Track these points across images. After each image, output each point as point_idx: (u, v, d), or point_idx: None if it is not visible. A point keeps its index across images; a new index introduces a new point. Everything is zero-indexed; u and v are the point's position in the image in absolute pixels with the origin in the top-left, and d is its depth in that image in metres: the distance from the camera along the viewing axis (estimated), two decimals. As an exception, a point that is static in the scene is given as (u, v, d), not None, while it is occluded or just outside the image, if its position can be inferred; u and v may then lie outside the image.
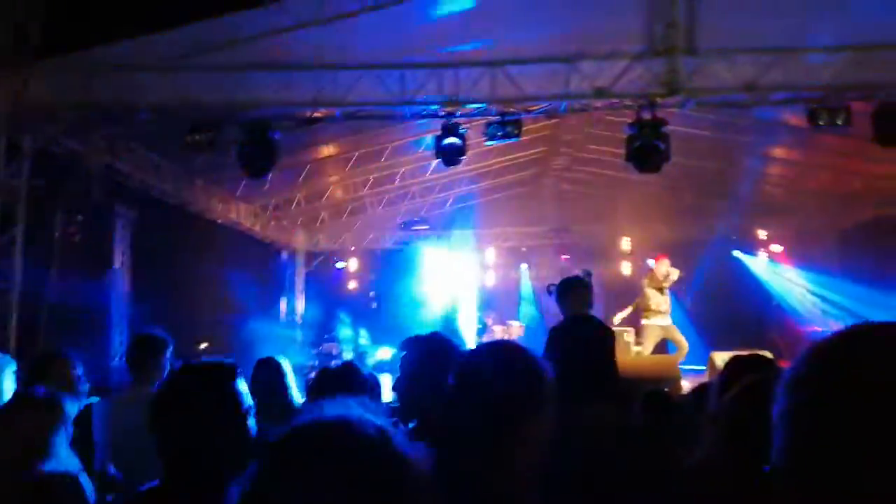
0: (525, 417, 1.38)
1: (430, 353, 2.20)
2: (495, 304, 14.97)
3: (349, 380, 2.92)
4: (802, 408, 0.68)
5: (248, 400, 1.78)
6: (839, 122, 7.73)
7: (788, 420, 0.68)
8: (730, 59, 7.25)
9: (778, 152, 11.23)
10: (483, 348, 1.63)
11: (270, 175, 10.55)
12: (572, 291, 4.30)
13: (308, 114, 8.22)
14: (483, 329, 13.36)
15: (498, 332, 13.02)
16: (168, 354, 3.70)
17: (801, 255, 13.66)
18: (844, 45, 7.07)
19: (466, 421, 1.38)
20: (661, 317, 9.34)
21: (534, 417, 1.38)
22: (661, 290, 9.34)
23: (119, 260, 9.20)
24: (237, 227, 12.40)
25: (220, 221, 11.83)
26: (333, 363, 4.11)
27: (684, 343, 9.21)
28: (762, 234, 14.33)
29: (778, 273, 14.16)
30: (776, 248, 14.35)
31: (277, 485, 0.76)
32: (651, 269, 9.58)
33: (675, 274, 9.40)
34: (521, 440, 1.36)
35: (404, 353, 2.33)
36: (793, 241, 13.84)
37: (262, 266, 13.97)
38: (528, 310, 15.74)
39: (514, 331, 13.01)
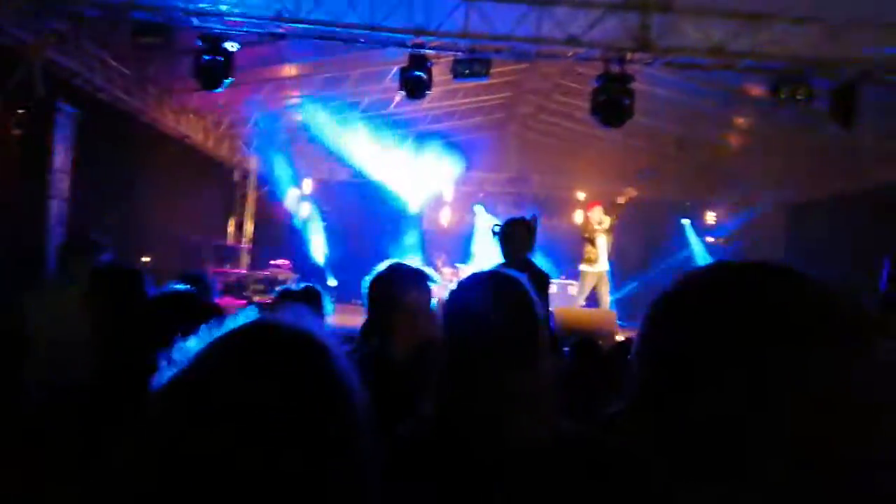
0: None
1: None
2: (446, 245, 14.98)
3: (311, 301, 2.90)
4: (645, 341, 0.68)
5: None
6: (800, 97, 7.84)
7: (639, 354, 0.68)
8: (702, 20, 7.21)
9: (738, 122, 11.35)
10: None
11: (226, 90, 10.21)
12: (514, 232, 4.26)
13: (270, 29, 7.89)
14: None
15: (447, 274, 13.09)
16: (99, 259, 3.60)
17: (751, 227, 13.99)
18: (814, 17, 7.08)
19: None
20: (594, 264, 9.58)
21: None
22: (593, 238, 9.53)
23: (59, 160, 8.80)
24: (188, 141, 12.00)
25: (169, 133, 11.42)
26: (295, 284, 4.03)
27: (606, 298, 9.49)
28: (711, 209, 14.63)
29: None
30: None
31: (205, 376, 0.73)
32: (586, 217, 9.78)
33: (606, 221, 9.58)
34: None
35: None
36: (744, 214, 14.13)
37: (212, 183, 13.62)
38: (481, 253, 15.82)
39: (462, 274, 13.09)
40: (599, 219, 9.59)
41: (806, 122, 9.56)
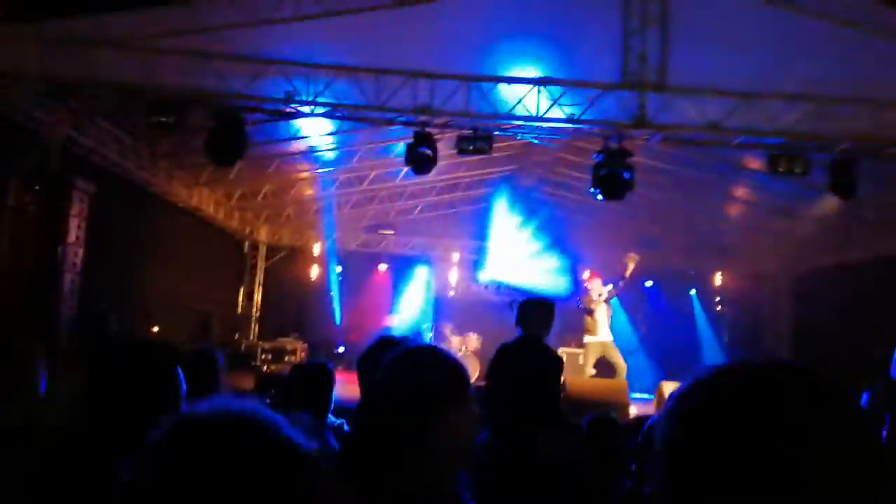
0: (447, 408, 1.42)
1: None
2: (454, 314, 14.99)
3: (320, 378, 2.94)
4: (674, 439, 0.72)
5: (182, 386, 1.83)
6: (797, 171, 7.99)
7: (662, 450, 0.72)
8: (697, 97, 7.44)
9: (739, 193, 11.51)
10: (413, 347, 1.66)
11: (238, 165, 10.54)
12: (532, 312, 4.33)
13: (280, 108, 8.21)
14: (440, 339, 13.39)
15: (455, 343, 13.05)
16: (108, 330, 3.70)
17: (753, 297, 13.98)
18: (806, 94, 7.30)
19: (394, 408, 1.41)
20: (595, 335, 9.59)
21: (455, 409, 1.42)
22: (592, 310, 9.57)
23: (74, 234, 9.02)
24: (198, 214, 12.27)
25: (181, 206, 11.70)
26: (306, 361, 4.11)
27: (622, 363, 9.44)
28: (717, 275, 14.65)
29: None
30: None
31: (164, 475, 0.76)
32: (585, 289, 9.84)
33: (604, 292, 9.63)
34: (443, 428, 1.39)
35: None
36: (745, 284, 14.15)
37: (223, 254, 13.84)
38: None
39: (470, 342, 13.06)
40: (599, 290, 9.66)
41: (806, 194, 9.70)
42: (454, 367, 1.48)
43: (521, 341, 2.66)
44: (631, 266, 9.62)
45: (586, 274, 14.29)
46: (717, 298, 14.74)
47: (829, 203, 9.35)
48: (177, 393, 1.82)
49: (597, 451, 3.75)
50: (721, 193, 11.63)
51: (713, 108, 7.52)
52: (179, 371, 1.85)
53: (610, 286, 9.78)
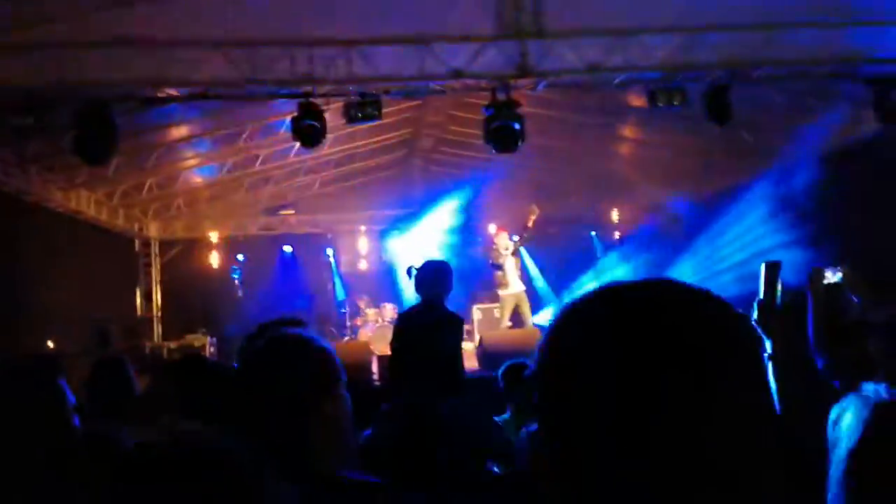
0: (319, 398, 1.36)
1: None
2: (368, 287, 14.88)
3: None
4: (538, 372, 0.66)
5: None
6: (675, 103, 8.30)
7: (531, 383, 0.66)
8: (575, 41, 7.55)
9: (626, 132, 11.89)
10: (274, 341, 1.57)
11: (115, 160, 9.87)
12: (427, 275, 4.30)
13: (150, 94, 7.70)
14: (355, 312, 13.29)
15: (371, 315, 12.99)
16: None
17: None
18: (677, 27, 7.54)
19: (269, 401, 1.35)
20: (508, 287, 9.83)
21: (326, 399, 1.36)
22: (501, 263, 9.78)
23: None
24: (80, 217, 11.47)
25: (60, 211, 10.90)
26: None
27: (529, 316, 9.74)
28: (614, 211, 15.20)
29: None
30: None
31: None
32: (494, 244, 10.03)
33: (511, 246, 9.87)
34: (320, 415, 1.34)
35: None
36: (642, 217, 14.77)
37: (113, 257, 13.05)
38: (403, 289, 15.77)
39: (386, 313, 13.01)
40: (506, 244, 9.85)
41: (689, 125, 10.12)
42: (321, 357, 1.41)
43: (419, 306, 2.63)
44: (532, 217, 9.85)
45: (492, 229, 14.53)
46: (617, 234, 15.32)
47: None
48: (60, 407, 1.68)
49: (511, 397, 3.81)
50: (610, 135, 11.99)
51: (592, 50, 7.66)
52: (62, 384, 1.71)
53: (515, 238, 9.97)
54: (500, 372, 4.45)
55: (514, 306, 9.96)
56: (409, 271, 4.69)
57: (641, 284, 0.64)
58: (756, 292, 1.86)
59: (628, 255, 14.37)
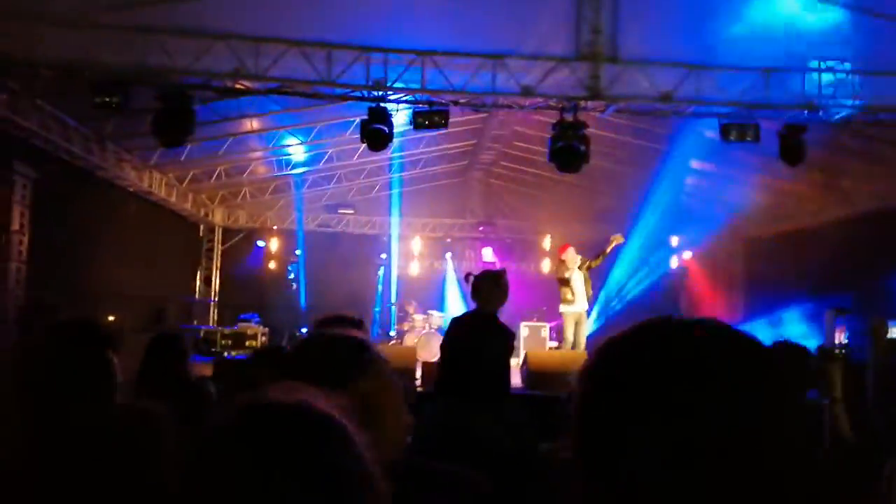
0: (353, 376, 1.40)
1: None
2: (418, 293, 15.00)
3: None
4: (581, 398, 0.69)
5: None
6: (748, 139, 8.12)
7: (574, 407, 0.70)
8: (648, 69, 7.48)
9: (694, 164, 11.67)
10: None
11: (189, 145, 10.26)
12: (482, 285, 4.32)
13: (228, 84, 7.99)
14: (403, 317, 13.37)
15: (419, 321, 13.04)
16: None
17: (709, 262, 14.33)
18: (753, 66, 7.40)
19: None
20: (572, 304, 9.59)
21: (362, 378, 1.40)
22: (568, 279, 9.54)
23: (17, 222, 8.69)
24: (150, 198, 11.94)
25: (131, 190, 11.37)
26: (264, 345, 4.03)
27: (582, 339, 9.50)
28: (675, 239, 14.92)
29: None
30: (687, 254, 15.01)
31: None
32: (560, 259, 9.80)
33: (578, 260, 9.59)
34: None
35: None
36: (702, 249, 14.48)
37: (177, 239, 13.53)
38: (454, 300, 15.86)
39: (434, 320, 13.06)
40: (574, 259, 9.57)
41: (758, 163, 9.88)
42: (350, 341, 1.46)
43: (472, 315, 2.64)
44: (613, 244, 9.62)
45: (546, 242, 14.42)
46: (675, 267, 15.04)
47: None
48: (105, 376, 1.68)
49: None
50: (678, 163, 11.78)
51: (665, 78, 7.57)
52: (108, 357, 1.73)
53: (579, 258, 9.67)
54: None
55: (574, 324, 9.73)
56: (466, 277, 4.72)
57: (687, 323, 0.68)
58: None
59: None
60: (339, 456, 0.72)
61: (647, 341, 0.67)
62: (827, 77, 7.63)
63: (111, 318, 11.39)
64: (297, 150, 12.53)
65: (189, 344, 3.85)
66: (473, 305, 4.44)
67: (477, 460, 1.56)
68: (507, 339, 2.32)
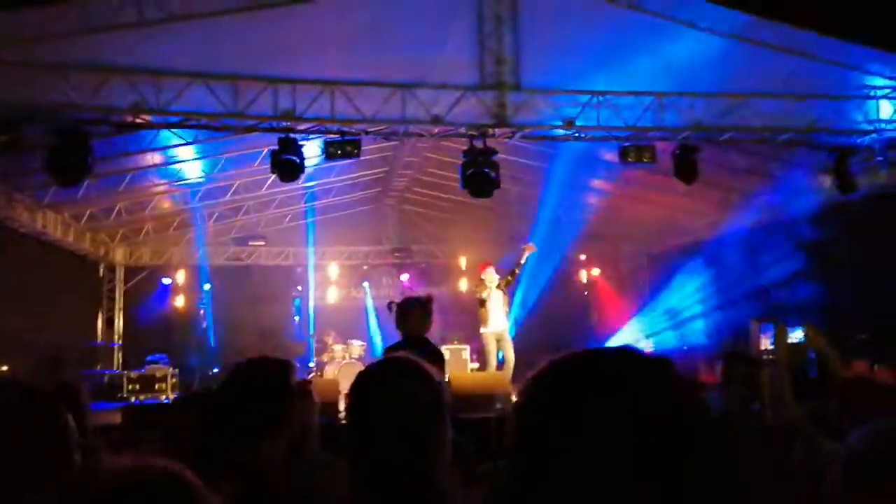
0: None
1: None
2: (337, 323, 14.81)
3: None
4: (515, 429, 0.78)
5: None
6: (645, 160, 8.59)
7: (508, 440, 0.79)
8: (550, 97, 7.81)
9: (596, 184, 12.21)
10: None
11: (86, 182, 9.77)
12: (411, 312, 4.34)
13: (128, 120, 7.70)
14: (321, 348, 13.14)
15: (338, 352, 12.85)
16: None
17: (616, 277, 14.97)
18: (649, 91, 7.87)
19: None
20: (488, 325, 9.62)
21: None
22: (484, 300, 9.60)
23: None
24: (44, 238, 11.26)
25: (23, 231, 10.69)
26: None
27: (511, 356, 9.56)
28: (582, 256, 15.48)
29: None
30: (595, 270, 15.61)
31: None
32: (479, 279, 9.84)
33: (496, 280, 9.66)
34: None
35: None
36: (608, 265, 15.10)
37: (75, 281, 12.79)
38: (373, 328, 15.74)
39: (353, 349, 12.91)
40: (492, 279, 9.62)
41: (655, 184, 10.46)
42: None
43: (401, 343, 2.67)
44: (526, 255, 9.64)
45: (462, 263, 14.53)
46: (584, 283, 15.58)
47: None
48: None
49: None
50: (581, 184, 12.29)
51: (567, 105, 7.93)
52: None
53: (498, 277, 9.74)
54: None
55: (494, 345, 9.77)
56: (389, 306, 4.72)
57: (605, 352, 0.82)
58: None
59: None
60: None
61: (572, 370, 0.78)
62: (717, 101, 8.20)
63: (3, 367, 10.63)
64: (201, 182, 12.18)
65: (89, 391, 3.65)
66: (395, 333, 4.46)
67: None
68: (441, 361, 2.39)
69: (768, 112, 8.21)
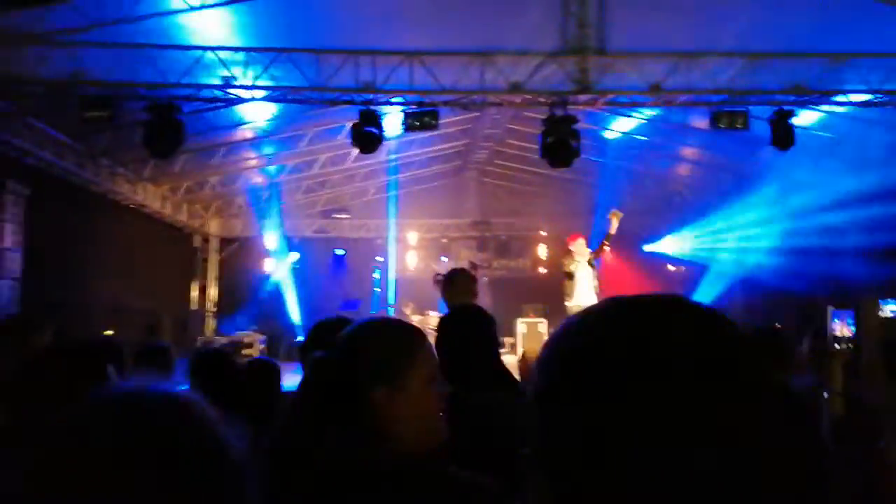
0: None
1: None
2: (415, 294, 14.99)
3: (221, 365, 2.86)
4: (539, 387, 0.63)
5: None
6: (738, 126, 8.13)
7: (532, 400, 0.63)
8: (637, 60, 7.48)
9: (686, 152, 11.69)
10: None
11: (182, 157, 10.25)
12: (454, 282, 4.34)
13: (218, 94, 7.98)
14: (401, 318, 13.33)
15: (416, 322, 13.00)
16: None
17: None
18: (742, 51, 7.40)
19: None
20: (572, 299, 9.33)
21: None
22: (572, 272, 9.27)
23: (10, 239, 8.68)
24: (144, 210, 11.92)
25: (125, 203, 11.34)
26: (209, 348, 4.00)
27: None
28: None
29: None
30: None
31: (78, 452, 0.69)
32: (568, 251, 9.48)
33: (587, 254, 9.24)
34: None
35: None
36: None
37: (172, 251, 13.50)
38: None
39: (431, 320, 13.04)
40: (581, 251, 9.24)
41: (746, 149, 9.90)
42: (403, 334, 1.43)
43: (452, 311, 2.66)
44: (615, 223, 9.19)
45: (542, 235, 14.33)
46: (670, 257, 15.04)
47: None
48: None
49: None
50: (670, 155, 11.81)
51: (653, 70, 7.58)
52: (110, 369, 1.73)
53: (589, 251, 9.34)
54: None
55: None
56: (435, 279, 4.71)
57: (647, 300, 0.63)
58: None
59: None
60: (189, 433, 0.72)
61: (609, 322, 0.61)
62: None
63: (109, 332, 11.37)
64: (289, 156, 12.52)
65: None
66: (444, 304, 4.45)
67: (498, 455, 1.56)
68: (488, 322, 2.37)
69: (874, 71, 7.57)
